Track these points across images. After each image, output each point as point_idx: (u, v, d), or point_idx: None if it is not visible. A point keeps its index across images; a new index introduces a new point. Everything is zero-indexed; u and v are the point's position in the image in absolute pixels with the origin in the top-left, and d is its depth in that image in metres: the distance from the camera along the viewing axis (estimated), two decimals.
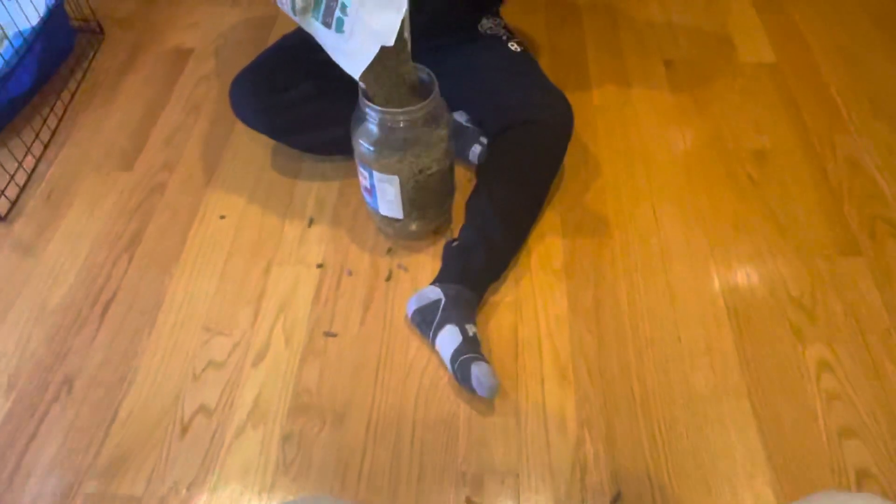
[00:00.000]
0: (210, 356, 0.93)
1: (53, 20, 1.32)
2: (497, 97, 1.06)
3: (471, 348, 0.86)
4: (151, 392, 0.90)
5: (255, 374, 0.91)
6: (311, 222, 1.10)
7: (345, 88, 0.92)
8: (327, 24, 0.85)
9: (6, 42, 1.25)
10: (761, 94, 1.28)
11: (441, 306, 0.90)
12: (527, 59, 1.12)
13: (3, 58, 1.21)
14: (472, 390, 0.85)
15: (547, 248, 1.04)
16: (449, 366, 0.88)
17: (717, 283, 0.99)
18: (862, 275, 0.99)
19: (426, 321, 0.91)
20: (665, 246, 1.04)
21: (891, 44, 1.38)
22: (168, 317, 0.98)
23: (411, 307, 0.93)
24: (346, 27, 0.84)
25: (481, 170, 1.07)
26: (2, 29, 1.27)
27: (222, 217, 1.11)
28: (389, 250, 1.05)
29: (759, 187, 1.12)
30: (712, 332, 0.93)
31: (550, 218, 1.08)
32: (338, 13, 0.84)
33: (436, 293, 0.92)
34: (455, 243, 0.99)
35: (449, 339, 0.88)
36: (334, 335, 0.95)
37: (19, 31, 1.26)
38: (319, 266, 1.03)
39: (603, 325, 0.95)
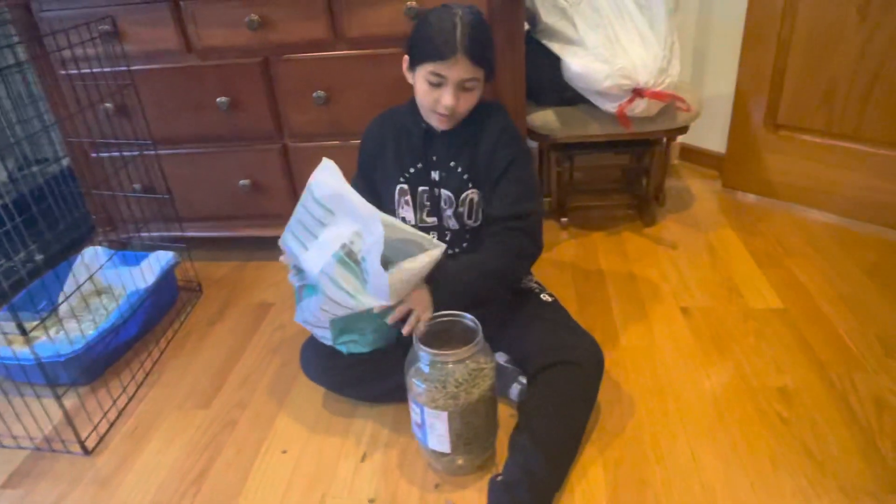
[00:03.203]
0: None
1: (163, 281, 1.61)
2: (533, 341, 1.20)
3: None
4: None
5: None
6: (364, 457, 1.18)
7: (390, 350, 1.11)
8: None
9: (124, 298, 1.52)
10: (775, 336, 1.40)
11: None
12: (557, 307, 1.29)
13: (120, 311, 1.46)
14: None
15: (589, 484, 1.08)
16: None
17: None
18: None
19: None
20: (706, 484, 1.07)
21: (886, 290, 1.53)
22: None
23: None
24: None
25: (521, 407, 1.16)
26: (124, 288, 1.56)
27: (284, 452, 1.21)
28: (437, 486, 1.10)
29: (789, 425, 1.17)
30: None
31: (590, 454, 1.14)
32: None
33: None
34: (499, 478, 1.05)
35: None
36: None
37: (136, 290, 1.54)
38: (371, 501, 1.09)
39: None
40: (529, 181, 1.23)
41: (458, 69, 1.10)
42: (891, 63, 1.64)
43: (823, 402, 1.22)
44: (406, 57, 1.18)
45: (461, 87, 1.13)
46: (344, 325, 1.13)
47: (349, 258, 1.05)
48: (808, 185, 1.91)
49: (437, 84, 1.13)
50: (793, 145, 1.91)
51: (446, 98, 1.12)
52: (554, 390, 1.12)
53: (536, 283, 1.35)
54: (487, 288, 1.17)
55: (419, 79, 1.15)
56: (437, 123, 1.19)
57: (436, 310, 1.11)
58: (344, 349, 1.16)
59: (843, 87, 1.75)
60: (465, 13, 1.11)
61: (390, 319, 1.10)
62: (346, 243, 1.05)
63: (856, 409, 1.19)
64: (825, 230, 1.82)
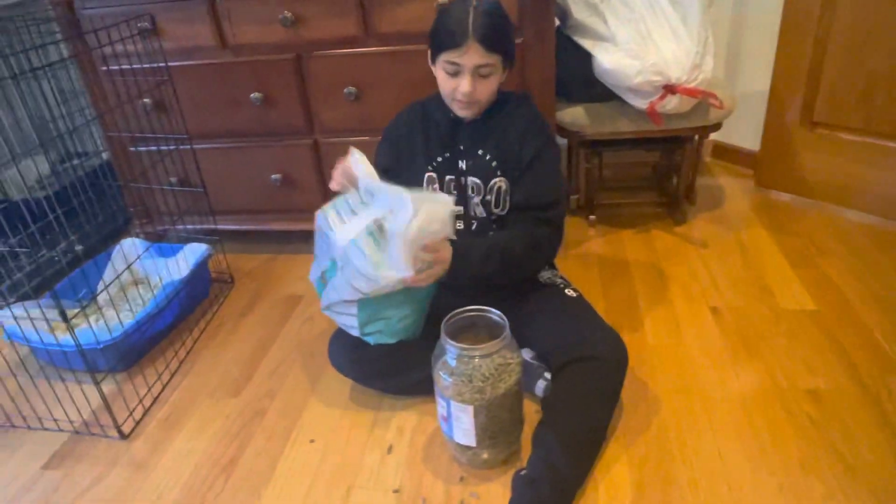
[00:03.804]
0: None
1: (197, 272, 1.65)
2: (557, 336, 1.21)
3: None
4: None
5: None
6: (390, 449, 1.20)
7: (417, 342, 1.12)
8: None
9: (160, 289, 1.57)
10: (807, 337, 1.38)
11: None
12: (582, 302, 1.28)
13: (156, 301, 1.51)
14: None
15: (614, 481, 1.08)
16: None
17: None
18: None
19: None
20: (734, 485, 1.06)
21: None
22: None
23: None
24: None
25: (546, 403, 1.17)
26: (160, 279, 1.60)
27: (312, 441, 1.23)
28: (462, 479, 1.12)
29: (820, 427, 1.15)
30: None
31: (615, 451, 1.14)
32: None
33: None
34: (523, 472, 1.06)
35: None
36: None
37: (171, 280, 1.58)
38: (396, 492, 1.10)
39: None
40: (556, 172, 1.25)
41: (472, 56, 1.12)
42: None
43: (855, 404, 1.19)
44: (429, 51, 1.20)
45: (477, 74, 1.15)
46: (371, 311, 1.14)
47: (379, 231, 1.07)
48: (844, 184, 1.87)
49: (454, 73, 1.16)
50: (829, 144, 1.87)
51: (463, 85, 1.15)
52: (576, 386, 1.12)
53: (561, 278, 1.35)
54: (502, 270, 1.18)
55: (439, 69, 1.18)
56: (459, 110, 1.22)
57: (449, 279, 1.13)
58: (371, 340, 1.18)
59: (883, 84, 1.70)
60: (481, 2, 1.13)
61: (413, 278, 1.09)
62: (379, 218, 1.08)
63: (889, 412, 1.17)
64: (860, 230, 1.78)
